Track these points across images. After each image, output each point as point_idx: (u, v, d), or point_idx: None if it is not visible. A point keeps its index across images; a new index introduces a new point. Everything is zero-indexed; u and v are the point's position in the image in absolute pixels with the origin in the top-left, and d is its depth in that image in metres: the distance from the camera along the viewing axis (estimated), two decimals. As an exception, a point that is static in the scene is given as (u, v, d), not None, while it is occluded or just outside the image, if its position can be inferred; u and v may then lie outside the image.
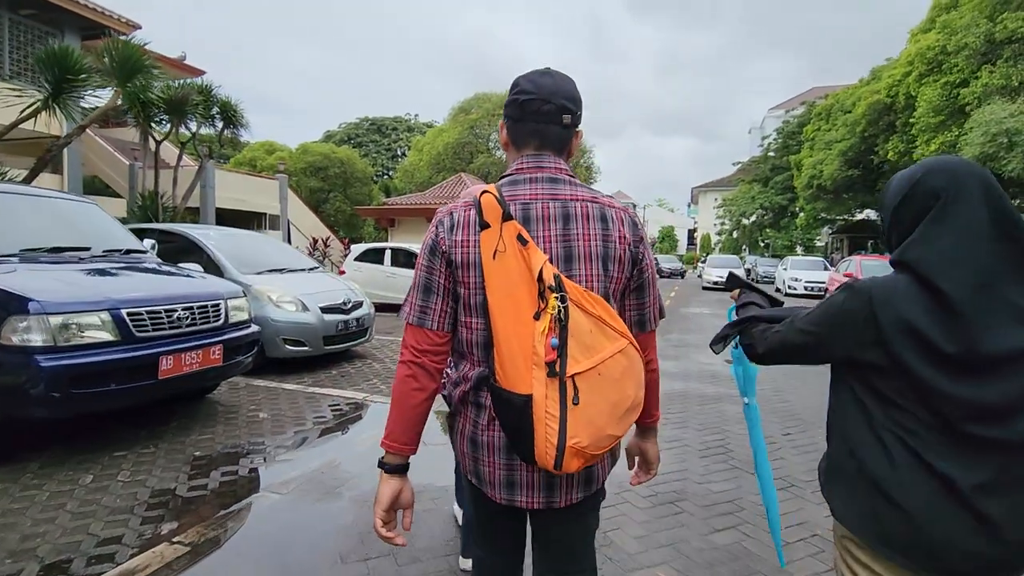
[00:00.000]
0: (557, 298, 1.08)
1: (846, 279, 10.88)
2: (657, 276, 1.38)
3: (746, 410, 1.74)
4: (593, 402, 1.09)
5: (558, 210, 1.21)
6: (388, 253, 12.41)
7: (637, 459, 1.51)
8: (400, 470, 1.26)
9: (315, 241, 19.13)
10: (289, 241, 23.12)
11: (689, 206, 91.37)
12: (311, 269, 7.35)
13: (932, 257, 1.04)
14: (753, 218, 47.14)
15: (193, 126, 14.49)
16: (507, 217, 1.16)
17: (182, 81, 13.45)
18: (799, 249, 44.73)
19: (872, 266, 13.63)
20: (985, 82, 17.28)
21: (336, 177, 36.18)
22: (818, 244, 46.75)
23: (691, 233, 71.28)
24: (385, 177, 35.36)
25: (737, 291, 1.62)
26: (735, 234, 55.23)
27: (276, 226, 23.30)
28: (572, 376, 1.07)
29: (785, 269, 21.15)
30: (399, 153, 47.57)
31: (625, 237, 1.24)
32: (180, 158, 14.95)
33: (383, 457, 1.26)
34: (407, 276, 12.03)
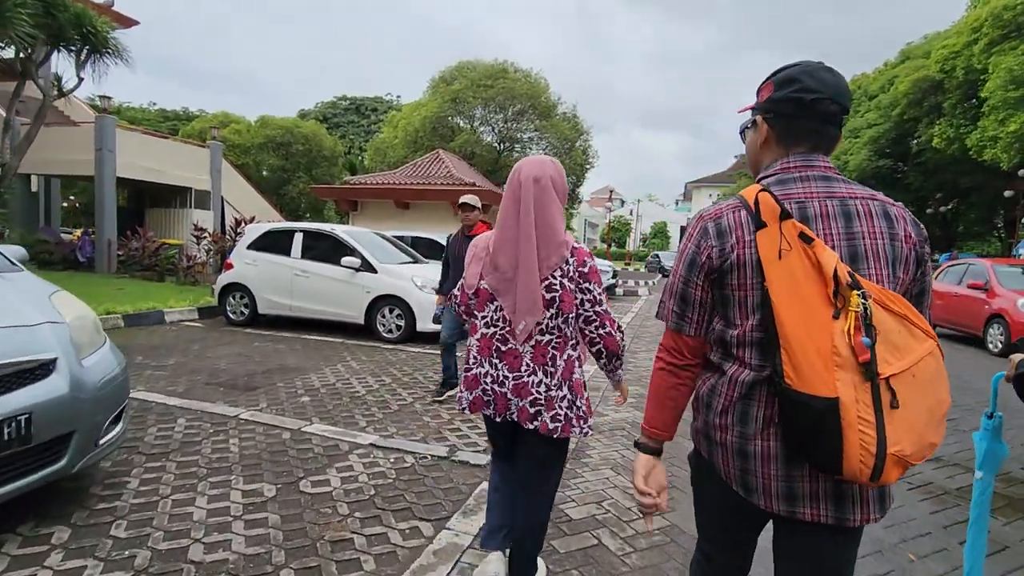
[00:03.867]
0: (859, 295, 0.98)
1: (973, 291, 8.71)
2: None
3: (976, 484, 1.58)
4: (912, 406, 0.98)
5: (837, 208, 1.11)
6: (299, 239, 7.71)
7: None
8: (653, 452, 1.28)
9: (238, 223, 14.31)
10: (223, 225, 18.38)
11: (678, 202, 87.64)
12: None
13: None
14: (756, 214, 42.92)
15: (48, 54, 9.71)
16: (785, 215, 1.06)
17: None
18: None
19: (1009, 273, 9.29)
20: (1111, 37, 13.02)
21: (300, 155, 31.16)
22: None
23: (683, 229, 67.12)
24: (354, 155, 30.49)
25: (1020, 356, 1.45)
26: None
27: (206, 204, 18.41)
28: (886, 378, 0.97)
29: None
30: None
31: (911, 236, 1.12)
32: (15, 96, 10.11)
33: (639, 438, 1.30)
34: (329, 277, 7.38)
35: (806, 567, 1.17)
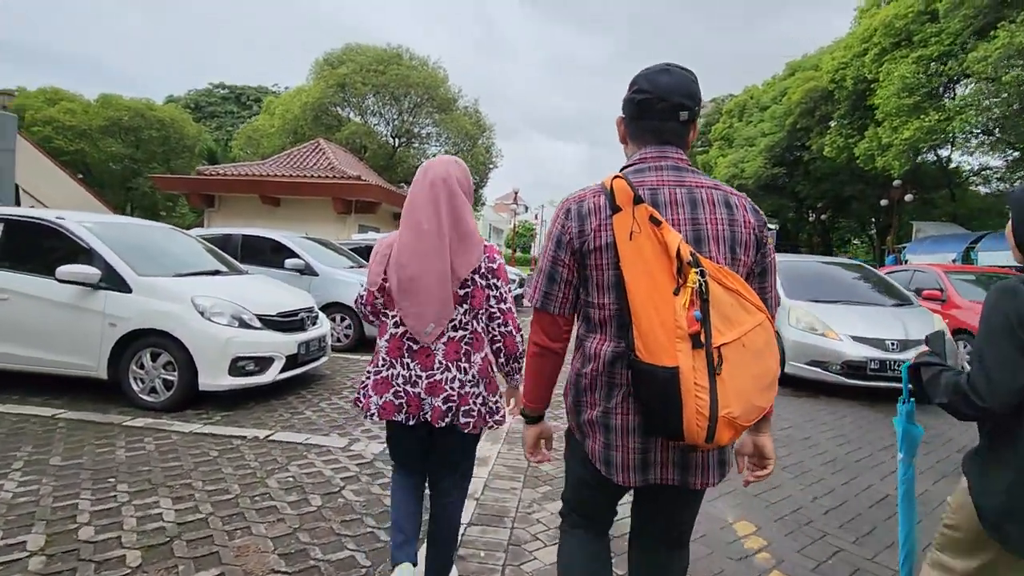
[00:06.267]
0: (697, 272, 1.06)
1: (927, 302, 7.18)
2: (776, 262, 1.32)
3: (900, 465, 1.64)
4: (740, 372, 1.06)
5: (685, 196, 1.20)
6: (-5, 232, 4.43)
7: (748, 458, 1.37)
8: (538, 419, 1.44)
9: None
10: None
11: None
12: None
13: None
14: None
15: None
16: (638, 200, 1.14)
17: None
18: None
19: (963, 282, 8.04)
20: (1004, 43, 12.84)
21: (155, 142, 25.89)
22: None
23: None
24: (217, 142, 25.58)
25: (925, 348, 1.48)
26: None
27: (-10, 194, 13.67)
28: (718, 347, 1.04)
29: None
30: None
31: (750, 222, 1.22)
32: None
33: (523, 410, 1.44)
34: (44, 299, 4.19)
35: (657, 522, 1.37)
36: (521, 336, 1.81)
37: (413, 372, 1.75)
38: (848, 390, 5.53)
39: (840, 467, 3.68)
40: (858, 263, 8.13)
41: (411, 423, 1.77)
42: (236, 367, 4.17)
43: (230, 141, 34.51)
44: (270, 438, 3.62)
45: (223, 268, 5.13)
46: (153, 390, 4.14)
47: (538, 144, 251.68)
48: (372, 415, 1.79)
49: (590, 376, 1.23)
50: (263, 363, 4.35)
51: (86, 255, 4.26)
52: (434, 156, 20.62)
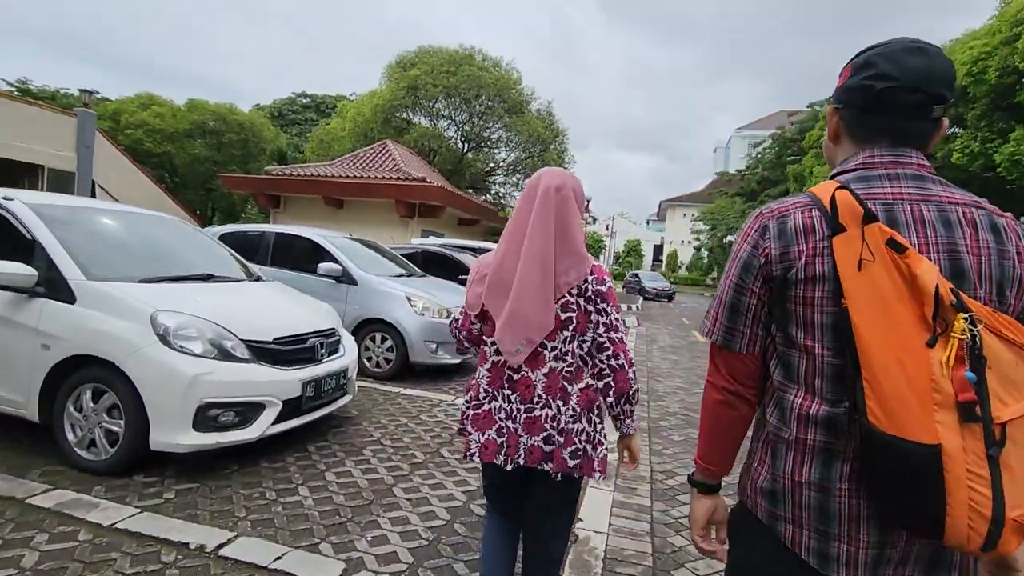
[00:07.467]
0: (965, 319, 0.75)
1: None
2: None
3: None
4: None
5: (934, 214, 0.87)
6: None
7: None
8: (714, 490, 1.08)
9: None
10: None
11: (649, 222, 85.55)
12: None
13: None
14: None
15: None
16: (870, 218, 0.83)
17: None
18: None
19: None
20: None
21: (235, 145, 26.42)
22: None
23: (657, 248, 64.15)
24: (297, 148, 25.70)
25: None
26: (704, 252, 48.80)
27: (67, 189, 13.74)
28: (1002, 424, 0.74)
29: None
30: (338, 135, 38.12)
31: None
32: None
33: (693, 474, 1.09)
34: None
35: None
36: (634, 372, 1.52)
37: (513, 405, 1.55)
38: None
39: None
40: None
41: (509, 468, 1.53)
42: (205, 417, 2.84)
43: (305, 145, 35.21)
44: (221, 551, 2.22)
45: (220, 272, 3.87)
46: (93, 444, 2.88)
47: (609, 155, 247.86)
48: (474, 454, 1.58)
49: (791, 441, 0.90)
50: (248, 411, 3.00)
51: (29, 249, 3.10)
52: (503, 161, 18.97)
